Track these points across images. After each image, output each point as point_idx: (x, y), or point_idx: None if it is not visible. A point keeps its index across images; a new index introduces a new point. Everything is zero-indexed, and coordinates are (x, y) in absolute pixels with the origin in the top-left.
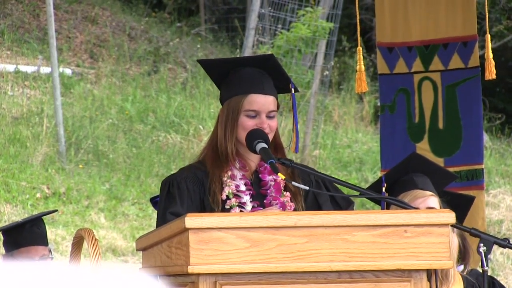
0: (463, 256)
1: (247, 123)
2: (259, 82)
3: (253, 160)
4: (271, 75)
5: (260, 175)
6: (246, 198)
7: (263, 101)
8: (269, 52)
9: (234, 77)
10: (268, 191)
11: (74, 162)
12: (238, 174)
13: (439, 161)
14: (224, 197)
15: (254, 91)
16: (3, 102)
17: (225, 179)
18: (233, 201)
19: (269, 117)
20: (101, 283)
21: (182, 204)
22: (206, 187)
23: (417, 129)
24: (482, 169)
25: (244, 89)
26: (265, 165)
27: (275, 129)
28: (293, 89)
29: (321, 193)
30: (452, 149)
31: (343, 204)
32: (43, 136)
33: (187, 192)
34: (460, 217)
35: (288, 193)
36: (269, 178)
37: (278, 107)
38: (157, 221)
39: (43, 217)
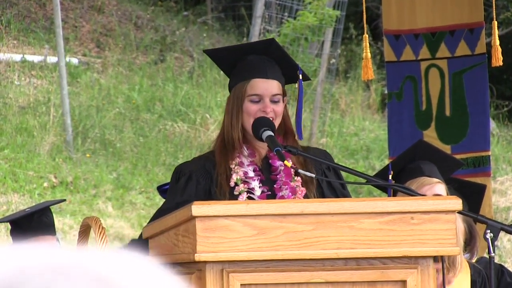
0: (469, 243)
1: (251, 108)
2: (261, 67)
3: (262, 146)
4: (278, 62)
5: (270, 161)
6: (255, 184)
7: (266, 85)
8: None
9: (239, 65)
10: (278, 176)
11: (81, 151)
12: (246, 161)
13: (446, 148)
14: (232, 184)
15: (256, 76)
16: (10, 91)
17: (233, 166)
18: (242, 187)
19: (273, 101)
20: (108, 266)
21: (182, 196)
22: (214, 178)
23: (424, 117)
24: (489, 156)
25: (246, 75)
26: None
27: (281, 114)
28: (300, 75)
29: (327, 180)
30: (459, 136)
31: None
32: (50, 125)
33: (192, 185)
34: (474, 207)
35: (298, 178)
36: (279, 163)
37: (285, 93)
38: (161, 209)
39: (51, 207)
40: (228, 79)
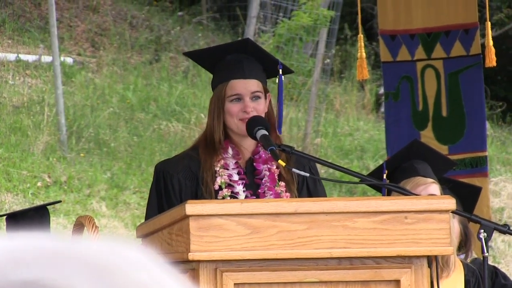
0: (464, 244)
1: (232, 109)
2: (239, 67)
3: (247, 148)
4: (258, 60)
5: (254, 164)
6: (239, 188)
7: (244, 85)
8: (270, 41)
9: (219, 66)
10: (262, 180)
11: (75, 151)
12: (231, 163)
13: (443, 149)
14: (216, 187)
15: (234, 77)
16: (4, 91)
17: (217, 168)
18: (225, 191)
19: (253, 99)
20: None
21: (169, 203)
22: (199, 177)
23: (421, 117)
24: (486, 156)
25: (225, 76)
26: (260, 153)
27: (264, 112)
28: (280, 70)
29: (316, 179)
30: (456, 136)
31: None
32: (44, 125)
33: (178, 188)
34: (469, 208)
35: (282, 183)
36: (263, 167)
37: (266, 90)
38: (146, 212)
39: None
40: None
